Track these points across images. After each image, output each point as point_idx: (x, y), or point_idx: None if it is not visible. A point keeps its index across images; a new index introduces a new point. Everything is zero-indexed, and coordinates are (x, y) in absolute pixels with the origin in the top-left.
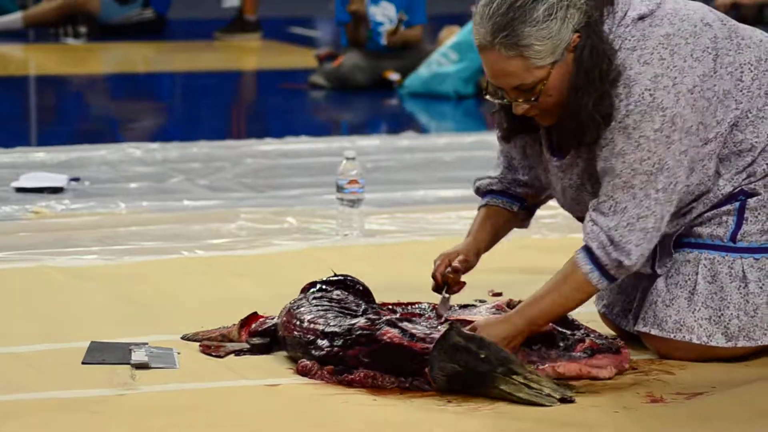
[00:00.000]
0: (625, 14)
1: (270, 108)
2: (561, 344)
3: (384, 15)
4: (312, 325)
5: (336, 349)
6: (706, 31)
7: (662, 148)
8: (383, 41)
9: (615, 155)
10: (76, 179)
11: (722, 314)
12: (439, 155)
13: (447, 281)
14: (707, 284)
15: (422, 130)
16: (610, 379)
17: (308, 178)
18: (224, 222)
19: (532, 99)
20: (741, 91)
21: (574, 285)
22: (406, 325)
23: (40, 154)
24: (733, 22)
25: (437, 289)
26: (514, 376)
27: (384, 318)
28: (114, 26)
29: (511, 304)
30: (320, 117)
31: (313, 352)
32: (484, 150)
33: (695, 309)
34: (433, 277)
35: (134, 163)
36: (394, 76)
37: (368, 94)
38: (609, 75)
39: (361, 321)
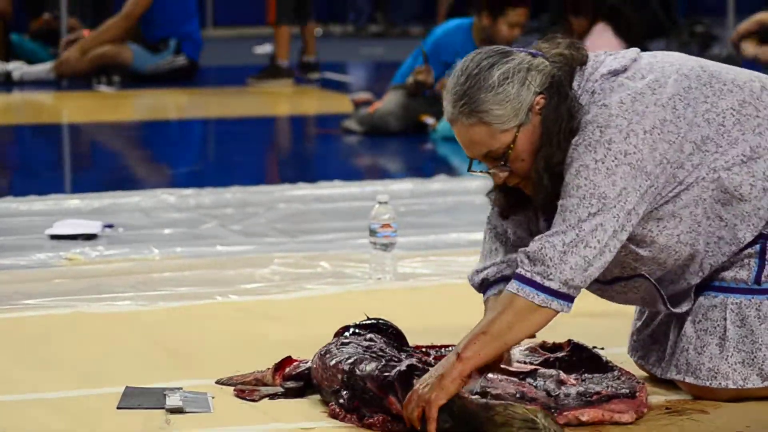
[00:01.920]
0: (596, 70)
1: (303, 153)
2: (576, 391)
3: None
4: (333, 373)
5: (355, 402)
6: (679, 81)
7: (600, 178)
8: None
9: (562, 189)
10: (110, 226)
11: (755, 356)
12: (471, 198)
13: None
14: (737, 328)
15: (454, 173)
16: (631, 423)
17: (341, 223)
18: (258, 267)
19: (502, 164)
20: (722, 135)
21: (497, 304)
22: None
23: (74, 201)
24: (717, 67)
25: None
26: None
27: (395, 371)
28: (147, 74)
29: (544, 346)
30: (353, 161)
31: (339, 400)
32: None
33: (728, 355)
34: None
35: (168, 210)
36: (429, 120)
37: (401, 139)
38: (569, 130)
39: (375, 372)
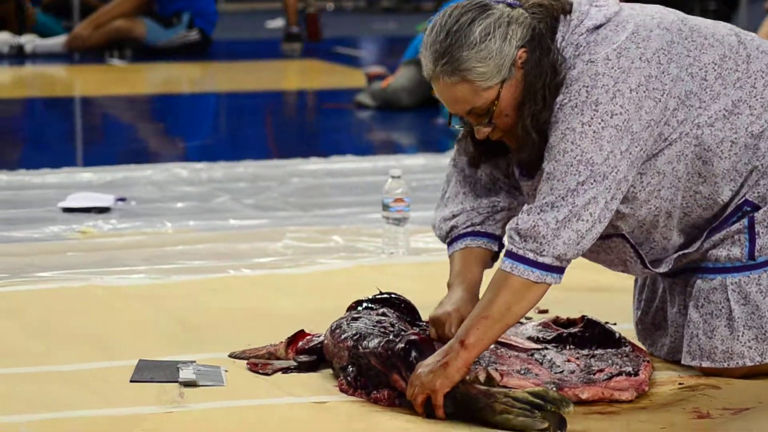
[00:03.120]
0: (581, 23)
1: (315, 127)
2: (580, 368)
3: None
4: (341, 348)
5: (362, 379)
6: (662, 35)
7: (587, 143)
8: None
9: (546, 151)
10: (123, 199)
11: (767, 330)
12: None
13: None
14: (742, 307)
15: None
16: (630, 401)
17: (354, 197)
18: (270, 241)
19: (486, 121)
20: (705, 90)
21: (493, 285)
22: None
23: (87, 175)
24: (696, 21)
25: None
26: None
27: (397, 348)
28: (159, 48)
29: (558, 321)
30: (366, 136)
31: (347, 377)
32: None
33: (739, 335)
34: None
35: (180, 183)
36: None
37: (414, 113)
38: (555, 86)
39: (378, 349)
